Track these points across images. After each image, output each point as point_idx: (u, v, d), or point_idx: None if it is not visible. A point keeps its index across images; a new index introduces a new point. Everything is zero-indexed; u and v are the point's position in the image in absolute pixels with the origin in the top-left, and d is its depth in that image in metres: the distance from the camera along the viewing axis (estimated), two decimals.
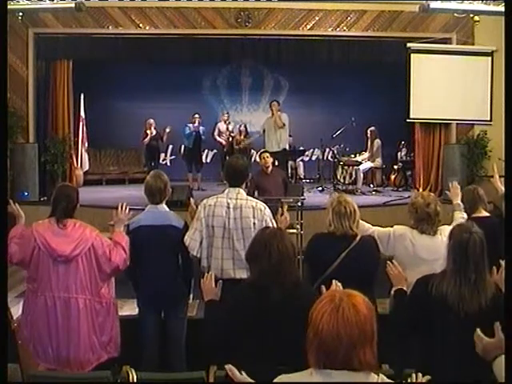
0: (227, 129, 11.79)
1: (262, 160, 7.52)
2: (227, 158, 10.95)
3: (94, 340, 3.72)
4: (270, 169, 7.57)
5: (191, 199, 4.32)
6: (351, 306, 1.70)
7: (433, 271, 3.60)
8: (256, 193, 7.12)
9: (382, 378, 1.79)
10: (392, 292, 3.07)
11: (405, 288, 3.00)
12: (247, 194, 4.02)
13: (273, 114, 9.46)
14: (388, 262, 3.21)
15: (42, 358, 3.66)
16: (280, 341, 2.52)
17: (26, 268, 3.74)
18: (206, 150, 12.53)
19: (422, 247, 3.70)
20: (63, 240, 3.63)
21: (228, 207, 3.85)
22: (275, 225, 3.82)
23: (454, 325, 2.29)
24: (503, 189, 4.83)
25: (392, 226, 3.97)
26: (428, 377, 2.08)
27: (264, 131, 9.74)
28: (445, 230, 3.81)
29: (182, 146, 12.13)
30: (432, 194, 3.94)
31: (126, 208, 3.97)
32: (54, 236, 3.64)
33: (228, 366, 1.98)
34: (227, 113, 12.28)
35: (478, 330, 2.23)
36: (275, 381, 1.86)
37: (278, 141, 9.49)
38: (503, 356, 2.13)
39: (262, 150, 7.99)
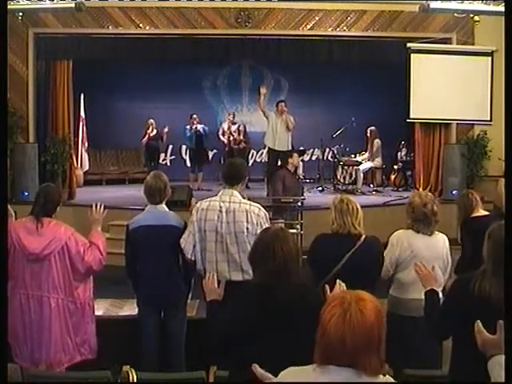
0: (229, 128, 11.80)
1: (293, 160, 7.88)
2: (226, 157, 11.02)
3: (67, 340, 3.72)
4: (295, 169, 7.88)
5: (193, 199, 4.31)
6: (358, 312, 1.69)
7: (433, 270, 3.62)
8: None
9: (388, 378, 1.79)
10: (423, 294, 2.98)
11: (436, 288, 2.92)
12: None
13: (282, 114, 9.48)
14: (416, 262, 3.16)
15: (19, 357, 3.67)
16: (287, 341, 2.51)
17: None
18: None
19: (420, 246, 3.71)
20: (36, 238, 3.65)
21: (220, 211, 3.79)
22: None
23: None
24: None
25: (392, 231, 3.95)
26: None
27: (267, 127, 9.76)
28: (442, 236, 3.83)
29: (184, 147, 12.16)
30: (430, 193, 3.93)
31: (100, 208, 3.97)
32: (28, 234, 3.66)
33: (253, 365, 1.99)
34: (233, 113, 12.29)
35: (479, 322, 2.21)
36: (281, 375, 1.86)
37: (286, 141, 9.53)
38: (500, 357, 2.11)
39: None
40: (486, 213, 4.55)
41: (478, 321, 2.20)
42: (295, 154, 8.22)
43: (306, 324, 1.79)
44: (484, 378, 2.31)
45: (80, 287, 3.77)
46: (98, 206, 3.97)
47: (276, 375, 1.90)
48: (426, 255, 3.64)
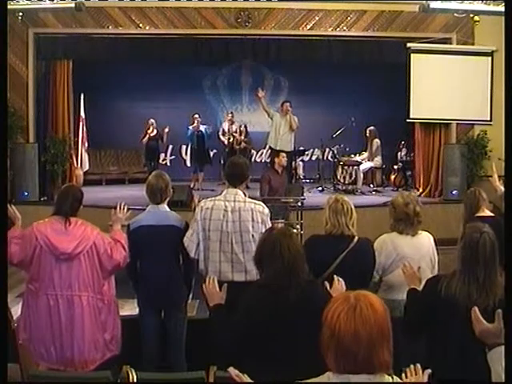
0: (229, 129, 11.79)
1: (279, 160, 7.71)
2: (227, 158, 11.01)
3: (98, 338, 3.74)
4: (282, 169, 7.76)
5: (195, 195, 4.32)
6: (368, 305, 1.66)
7: (420, 270, 3.62)
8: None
9: (396, 379, 1.78)
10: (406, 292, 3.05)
11: (418, 288, 2.98)
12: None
13: (286, 114, 9.50)
14: (404, 263, 3.18)
15: (45, 359, 3.66)
16: (298, 341, 2.50)
17: (26, 268, 3.75)
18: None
19: (403, 246, 3.71)
20: (65, 238, 3.66)
21: (226, 210, 3.81)
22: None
23: (461, 324, 2.27)
24: (502, 188, 4.87)
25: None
26: (429, 370, 2.05)
27: (271, 127, 9.76)
28: (427, 234, 3.85)
29: (184, 147, 12.16)
30: (413, 194, 3.94)
31: (124, 207, 3.99)
32: (56, 234, 3.66)
33: (232, 371, 1.97)
34: (231, 112, 12.28)
35: (477, 310, 2.21)
36: None
37: (289, 141, 9.56)
38: (501, 348, 2.11)
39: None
40: (491, 214, 4.53)
41: (475, 308, 2.21)
42: (282, 154, 8.04)
43: (317, 321, 1.76)
44: (458, 373, 2.33)
45: (106, 284, 3.81)
46: (122, 206, 3.99)
47: (291, 374, 1.89)
48: (411, 256, 3.64)
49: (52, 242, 3.64)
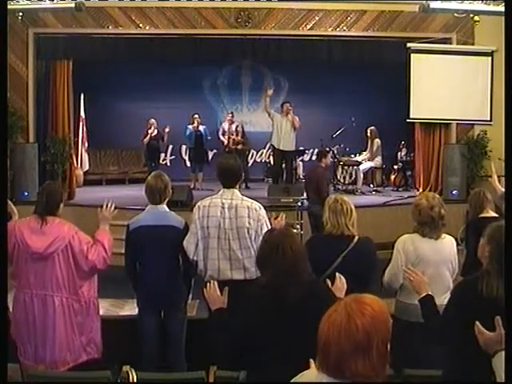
0: (229, 129, 11.79)
1: (326, 160, 8.33)
2: None
3: (72, 339, 3.72)
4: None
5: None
6: (344, 315, 1.62)
7: (441, 274, 3.56)
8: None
9: None
10: (417, 301, 2.94)
11: (430, 293, 2.87)
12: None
13: (287, 114, 9.57)
14: (405, 268, 3.13)
15: (23, 355, 3.68)
16: (299, 341, 2.49)
17: (10, 263, 3.74)
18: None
19: (425, 250, 3.64)
20: (39, 237, 3.65)
21: (223, 207, 3.81)
22: (269, 225, 3.80)
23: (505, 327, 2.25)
24: (502, 189, 4.86)
25: (392, 231, 3.91)
26: None
27: (273, 128, 9.82)
28: (450, 238, 3.75)
29: (184, 147, 12.15)
30: (437, 196, 3.81)
31: (111, 206, 3.97)
32: (32, 233, 3.66)
33: None
34: (231, 112, 12.28)
35: (478, 324, 2.21)
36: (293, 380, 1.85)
37: (291, 141, 9.66)
38: (503, 352, 2.13)
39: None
40: (495, 214, 4.51)
41: (477, 322, 2.21)
42: (329, 154, 8.62)
43: (318, 321, 1.76)
44: (489, 376, 2.31)
45: (84, 286, 3.77)
46: (109, 204, 3.96)
47: (291, 374, 1.89)
48: (433, 259, 3.58)
49: (26, 240, 3.64)
